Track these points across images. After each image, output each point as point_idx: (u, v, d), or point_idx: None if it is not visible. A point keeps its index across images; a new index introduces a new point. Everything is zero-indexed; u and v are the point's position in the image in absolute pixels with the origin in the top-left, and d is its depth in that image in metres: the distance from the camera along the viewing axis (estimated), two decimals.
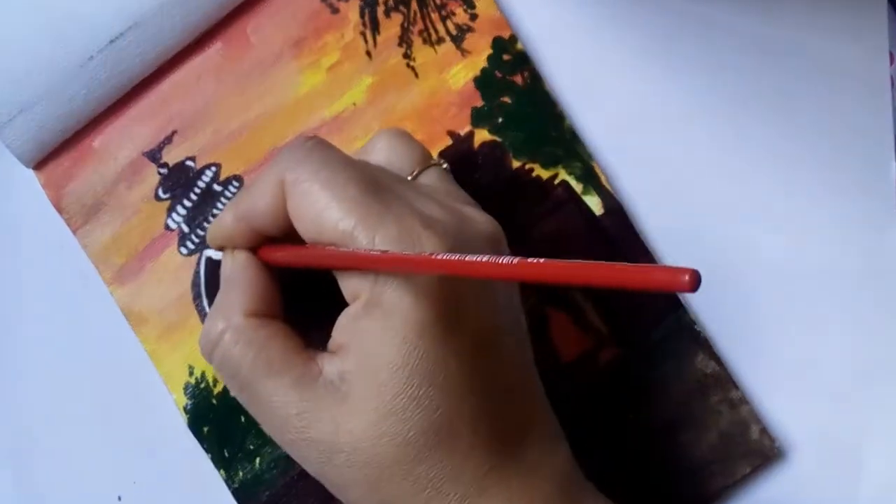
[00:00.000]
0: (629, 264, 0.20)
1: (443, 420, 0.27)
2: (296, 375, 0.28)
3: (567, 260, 0.21)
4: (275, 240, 0.31)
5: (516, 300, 0.31)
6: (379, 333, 0.27)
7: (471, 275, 0.25)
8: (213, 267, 0.36)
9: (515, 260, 0.22)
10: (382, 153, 0.31)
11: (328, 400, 0.27)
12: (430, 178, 0.31)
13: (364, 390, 0.27)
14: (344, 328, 0.28)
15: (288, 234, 0.30)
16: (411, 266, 0.26)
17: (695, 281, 0.18)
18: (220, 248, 0.32)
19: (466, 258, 0.24)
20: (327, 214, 0.27)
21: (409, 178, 0.31)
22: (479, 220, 0.30)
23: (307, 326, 0.30)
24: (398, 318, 0.27)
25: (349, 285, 0.28)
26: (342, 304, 0.29)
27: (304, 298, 0.31)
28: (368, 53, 0.37)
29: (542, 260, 0.22)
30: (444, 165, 0.32)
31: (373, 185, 0.28)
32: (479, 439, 0.28)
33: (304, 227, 0.28)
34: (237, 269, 0.31)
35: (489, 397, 0.28)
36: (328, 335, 0.29)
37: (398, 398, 0.27)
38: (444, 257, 0.24)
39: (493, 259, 0.23)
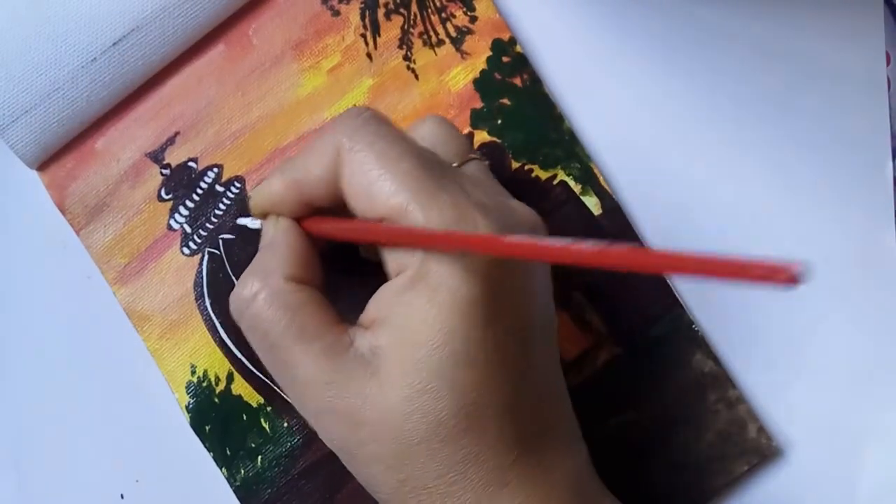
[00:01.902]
0: (727, 256, 0.19)
1: (475, 406, 0.27)
2: (327, 344, 0.28)
3: (658, 250, 0.21)
4: (319, 212, 0.30)
5: (551, 296, 0.30)
6: (423, 308, 0.27)
7: (544, 259, 0.24)
8: (216, 266, 0.37)
9: (598, 246, 0.21)
10: (427, 139, 0.31)
11: (358, 372, 0.27)
12: (472, 171, 0.31)
13: (397, 365, 0.27)
14: (383, 302, 0.28)
15: (334, 206, 0.29)
16: (478, 246, 0.25)
17: (796, 276, 0.18)
18: (264, 216, 0.31)
19: (540, 241, 0.23)
20: (381, 186, 0.27)
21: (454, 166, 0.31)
22: (524, 210, 0.30)
23: (340, 301, 0.30)
24: (446, 293, 0.26)
25: (395, 259, 0.28)
26: (374, 283, 0.28)
27: (338, 273, 0.31)
28: (369, 55, 0.37)
29: (625, 247, 0.21)
30: (486, 162, 0.32)
31: (427, 161, 0.28)
32: (506, 430, 0.27)
33: (355, 198, 0.28)
34: (279, 233, 0.30)
35: (519, 390, 0.28)
36: (359, 312, 0.29)
37: (433, 376, 0.26)
38: (517, 240, 0.24)
39: (571, 244, 0.22)
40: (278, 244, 0.30)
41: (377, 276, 0.29)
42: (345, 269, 0.31)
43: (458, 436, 0.27)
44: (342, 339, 0.28)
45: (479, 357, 0.27)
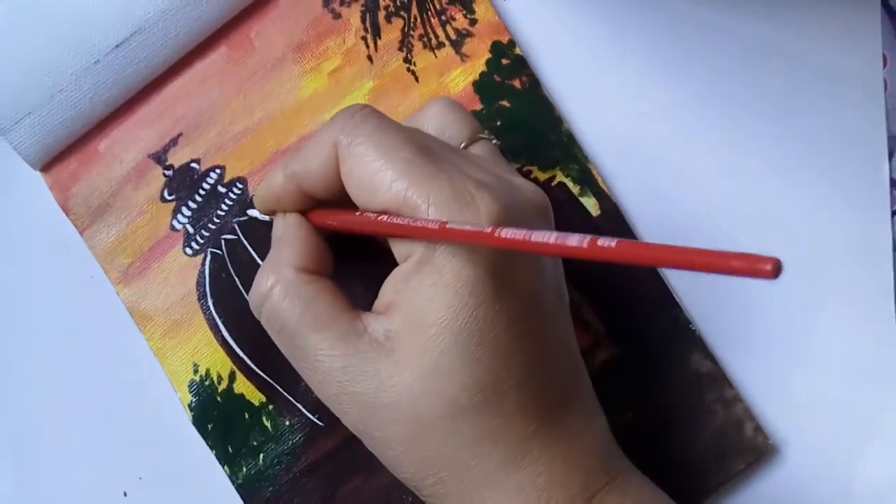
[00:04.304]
0: (709, 250, 0.19)
1: (489, 379, 0.27)
2: (342, 330, 0.28)
3: (645, 243, 0.21)
4: (323, 204, 0.31)
5: (560, 270, 0.31)
6: (430, 289, 0.27)
7: (536, 252, 0.25)
8: (218, 267, 0.37)
9: (586, 241, 0.22)
10: (434, 122, 0.32)
11: (372, 354, 0.28)
12: (479, 150, 0.32)
13: (410, 346, 0.27)
14: (393, 287, 0.28)
15: (337, 198, 0.30)
16: (470, 238, 0.25)
17: (777, 269, 0.18)
18: (270, 213, 0.33)
19: (531, 235, 0.23)
20: (381, 176, 0.28)
21: (461, 147, 0.31)
22: (529, 188, 0.30)
23: (352, 289, 0.30)
24: (450, 274, 0.27)
25: (401, 245, 0.28)
26: (386, 268, 0.29)
27: (349, 262, 0.32)
28: (369, 58, 0.38)
29: (613, 241, 0.21)
30: (494, 141, 0.32)
31: (425, 148, 0.28)
32: (523, 401, 0.28)
33: (356, 190, 0.29)
34: (288, 228, 0.31)
35: (534, 361, 0.28)
36: (372, 299, 0.29)
37: (445, 354, 0.27)
38: (508, 234, 0.24)
39: (559, 237, 0.22)
40: (288, 238, 0.31)
41: (387, 261, 0.29)
42: (356, 257, 0.32)
43: (475, 411, 0.27)
44: (356, 325, 0.28)
45: (489, 332, 0.27)
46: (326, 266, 0.31)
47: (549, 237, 0.23)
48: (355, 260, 0.32)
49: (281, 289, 0.29)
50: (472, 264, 0.27)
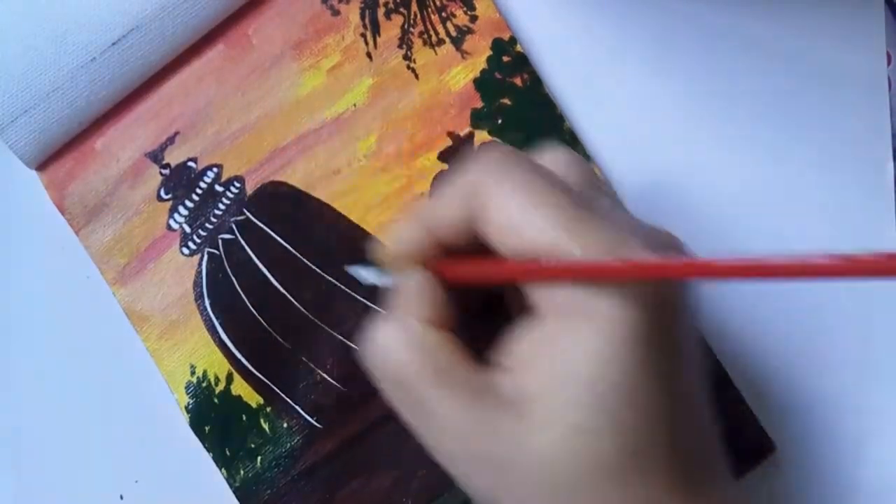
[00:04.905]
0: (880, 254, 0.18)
1: (639, 443, 0.25)
2: (468, 387, 0.26)
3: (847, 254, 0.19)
4: (450, 254, 0.28)
5: (696, 320, 0.28)
6: (573, 344, 0.25)
7: (724, 276, 0.22)
8: (215, 267, 0.37)
9: (782, 258, 0.20)
10: (557, 171, 0.29)
11: (503, 415, 0.26)
12: (604, 200, 0.29)
13: (551, 405, 0.25)
14: (527, 341, 0.26)
15: (466, 248, 0.28)
16: (649, 272, 0.23)
17: None
18: (394, 265, 0.29)
19: (716, 260, 0.21)
20: (531, 220, 0.25)
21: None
22: (663, 232, 0.28)
23: (474, 343, 0.28)
24: (603, 323, 0.25)
25: (539, 295, 0.26)
26: (502, 321, 0.27)
27: (468, 317, 0.29)
28: (369, 55, 0.37)
29: (820, 258, 0.20)
30: (614, 191, 0.31)
31: (574, 193, 0.26)
32: (673, 467, 0.25)
33: (501, 235, 0.26)
34: (413, 280, 0.28)
35: (682, 423, 0.26)
36: (492, 353, 0.27)
37: (593, 414, 0.25)
38: (689, 260, 0.22)
39: (750, 258, 0.21)
40: (413, 289, 0.28)
41: (499, 313, 0.28)
42: (478, 310, 0.29)
43: (623, 476, 0.25)
44: (483, 382, 0.26)
45: (641, 392, 0.25)
46: (451, 321, 0.28)
47: (729, 260, 0.21)
48: (475, 315, 0.29)
49: (404, 339, 0.27)
50: (627, 312, 0.25)
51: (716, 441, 0.28)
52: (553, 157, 0.29)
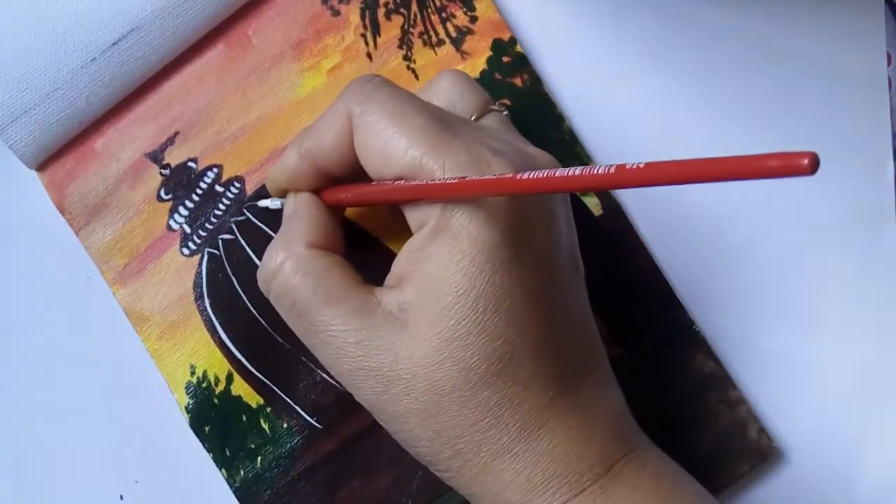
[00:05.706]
0: (741, 156, 0.18)
1: (506, 348, 0.27)
2: (354, 305, 0.28)
3: (673, 160, 0.20)
4: (336, 182, 0.31)
5: (575, 240, 0.30)
6: (446, 257, 0.27)
7: (563, 189, 0.23)
8: (215, 267, 0.37)
9: (612, 167, 0.21)
10: (444, 94, 0.31)
11: (386, 328, 0.28)
12: (491, 122, 0.31)
13: (425, 317, 0.27)
14: (406, 258, 0.28)
15: (350, 175, 0.30)
16: (494, 187, 0.25)
17: (814, 164, 0.17)
18: (282, 193, 0.32)
19: (557, 173, 0.22)
20: (395, 143, 0.28)
21: (472, 119, 0.31)
22: (542, 156, 0.30)
23: (363, 269, 0.30)
24: (466, 240, 0.27)
25: (416, 215, 0.28)
26: (393, 252, 0.29)
27: (358, 244, 0.32)
28: (369, 55, 0.37)
29: (642, 164, 0.20)
30: (505, 112, 0.32)
31: (440, 117, 0.28)
32: (540, 370, 0.27)
33: (370, 159, 0.29)
34: (300, 205, 0.31)
35: (551, 329, 0.28)
36: (382, 279, 0.29)
37: (461, 323, 0.27)
38: (532, 175, 0.23)
39: (587, 170, 0.22)
40: (299, 215, 0.31)
41: (395, 246, 0.29)
42: (365, 242, 0.32)
43: (491, 380, 0.27)
44: (369, 300, 0.28)
45: (505, 299, 0.27)
46: (337, 244, 0.31)
47: (574, 171, 0.22)
48: (365, 243, 0.32)
49: (292, 264, 0.29)
50: (489, 230, 0.27)
51: (594, 351, 0.30)
52: (445, 83, 0.31)
